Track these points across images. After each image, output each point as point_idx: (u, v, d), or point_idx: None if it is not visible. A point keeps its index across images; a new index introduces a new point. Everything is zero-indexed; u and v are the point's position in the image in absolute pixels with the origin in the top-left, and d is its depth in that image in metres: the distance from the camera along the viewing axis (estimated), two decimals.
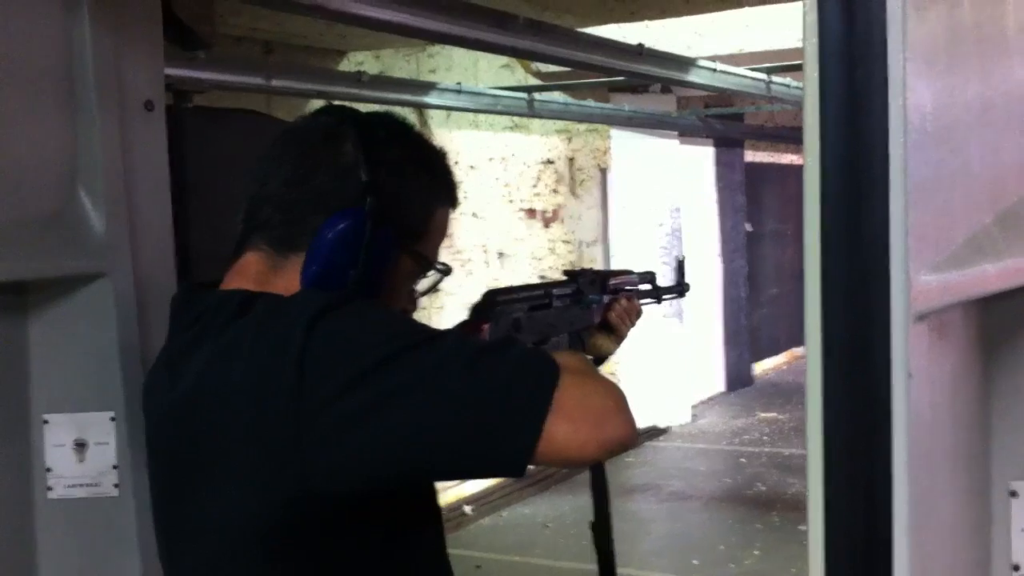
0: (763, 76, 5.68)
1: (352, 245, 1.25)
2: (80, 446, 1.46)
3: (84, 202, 1.46)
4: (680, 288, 2.07)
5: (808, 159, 0.82)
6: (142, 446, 1.30)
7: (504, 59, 6.98)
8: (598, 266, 8.27)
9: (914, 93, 0.81)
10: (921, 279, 0.82)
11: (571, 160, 8.15)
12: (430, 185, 1.35)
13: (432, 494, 1.32)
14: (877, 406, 0.80)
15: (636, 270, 1.95)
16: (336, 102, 5.83)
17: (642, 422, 8.68)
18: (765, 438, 8.47)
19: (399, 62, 6.54)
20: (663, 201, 8.58)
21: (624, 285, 1.85)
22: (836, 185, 0.78)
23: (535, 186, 7.81)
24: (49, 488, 1.47)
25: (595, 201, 8.39)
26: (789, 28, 6.47)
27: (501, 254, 7.48)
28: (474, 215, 7.22)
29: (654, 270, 1.99)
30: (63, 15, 1.44)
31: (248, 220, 1.31)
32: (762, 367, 11.18)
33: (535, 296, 1.62)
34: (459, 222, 7.15)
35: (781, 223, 11.61)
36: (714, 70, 5.09)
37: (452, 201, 1.38)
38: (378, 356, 1.11)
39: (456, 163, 7.20)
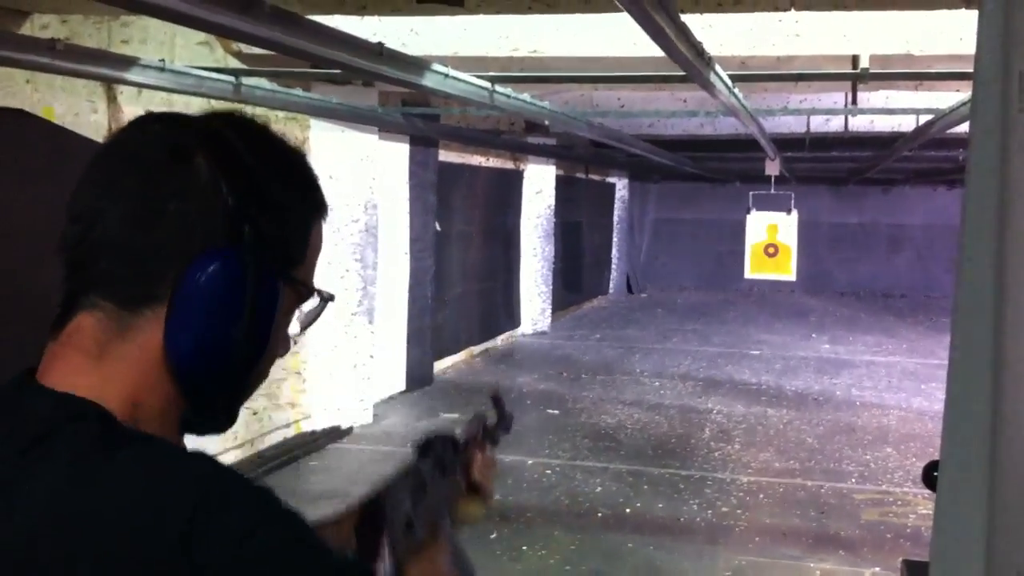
0: (487, 85, 5.61)
1: (231, 292, 1.00)
2: None
3: None
4: (508, 422, 1.82)
5: None
6: None
7: (202, 35, 6.42)
8: None
9: None
10: None
11: None
12: (304, 197, 1.11)
13: None
14: None
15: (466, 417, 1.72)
16: (16, 71, 5.15)
17: (323, 423, 8.43)
18: None
19: (89, 29, 5.85)
20: (360, 197, 8.34)
21: (471, 436, 1.60)
22: None
23: None
24: None
25: None
26: (506, 37, 6.45)
27: None
28: None
29: (483, 411, 1.76)
30: None
31: (76, 274, 1.01)
32: (441, 365, 11.21)
33: (414, 486, 1.42)
34: None
35: (467, 224, 11.70)
36: (446, 75, 4.93)
37: (325, 211, 1.14)
38: None
39: None
